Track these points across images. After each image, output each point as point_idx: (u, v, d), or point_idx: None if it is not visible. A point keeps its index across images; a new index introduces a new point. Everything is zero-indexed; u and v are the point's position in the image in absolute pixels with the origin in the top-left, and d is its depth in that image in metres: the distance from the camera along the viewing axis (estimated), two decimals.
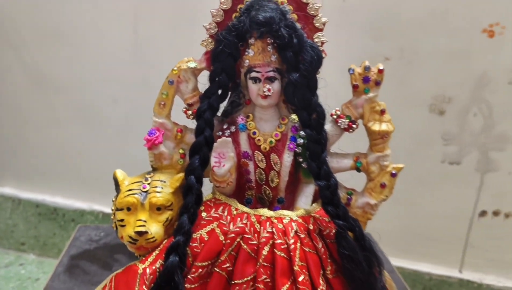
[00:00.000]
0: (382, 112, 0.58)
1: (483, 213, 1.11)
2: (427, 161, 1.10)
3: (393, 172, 0.60)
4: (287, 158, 0.58)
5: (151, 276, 0.53)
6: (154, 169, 0.62)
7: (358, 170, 0.61)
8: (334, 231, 0.55)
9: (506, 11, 0.97)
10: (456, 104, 1.05)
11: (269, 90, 0.55)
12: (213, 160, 0.55)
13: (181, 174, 0.59)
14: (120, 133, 1.27)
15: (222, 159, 0.54)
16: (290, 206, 0.60)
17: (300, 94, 0.55)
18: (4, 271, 1.36)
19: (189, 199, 0.55)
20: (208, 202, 0.58)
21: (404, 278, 0.84)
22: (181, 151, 0.61)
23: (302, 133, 0.57)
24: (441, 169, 1.09)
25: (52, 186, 1.40)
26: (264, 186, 0.60)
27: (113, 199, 0.60)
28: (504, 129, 1.05)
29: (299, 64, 0.54)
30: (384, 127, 0.58)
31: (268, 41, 0.55)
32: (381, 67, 0.57)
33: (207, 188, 0.60)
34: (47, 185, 1.40)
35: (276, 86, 0.56)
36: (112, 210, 0.60)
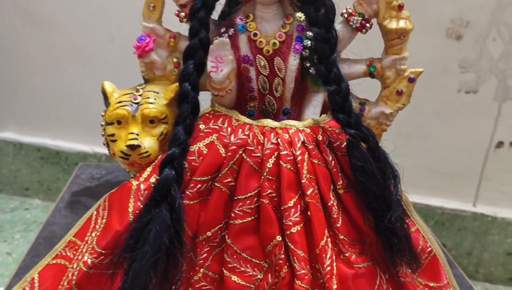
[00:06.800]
0: (400, 7, 0.52)
1: (499, 144, 1.10)
2: (442, 91, 1.08)
3: (411, 76, 0.55)
4: (293, 61, 0.53)
5: (146, 192, 0.50)
6: (146, 81, 0.58)
7: (372, 75, 0.56)
8: (345, 142, 0.51)
9: None
10: (475, 28, 1.02)
11: None
12: (209, 64, 0.50)
13: (176, 84, 0.55)
14: (118, 72, 1.19)
15: (220, 64, 0.50)
16: (297, 117, 0.57)
17: None
18: (10, 215, 1.38)
19: (184, 108, 0.51)
20: (207, 114, 0.54)
21: None
22: (175, 60, 0.57)
23: (309, 33, 0.52)
24: (457, 99, 1.08)
25: (53, 129, 1.40)
26: (268, 96, 0.56)
27: (102, 113, 0.56)
28: None
29: None
30: (402, 24, 0.53)
31: None
32: None
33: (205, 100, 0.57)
34: (48, 128, 1.40)
35: None
36: (101, 125, 0.56)
